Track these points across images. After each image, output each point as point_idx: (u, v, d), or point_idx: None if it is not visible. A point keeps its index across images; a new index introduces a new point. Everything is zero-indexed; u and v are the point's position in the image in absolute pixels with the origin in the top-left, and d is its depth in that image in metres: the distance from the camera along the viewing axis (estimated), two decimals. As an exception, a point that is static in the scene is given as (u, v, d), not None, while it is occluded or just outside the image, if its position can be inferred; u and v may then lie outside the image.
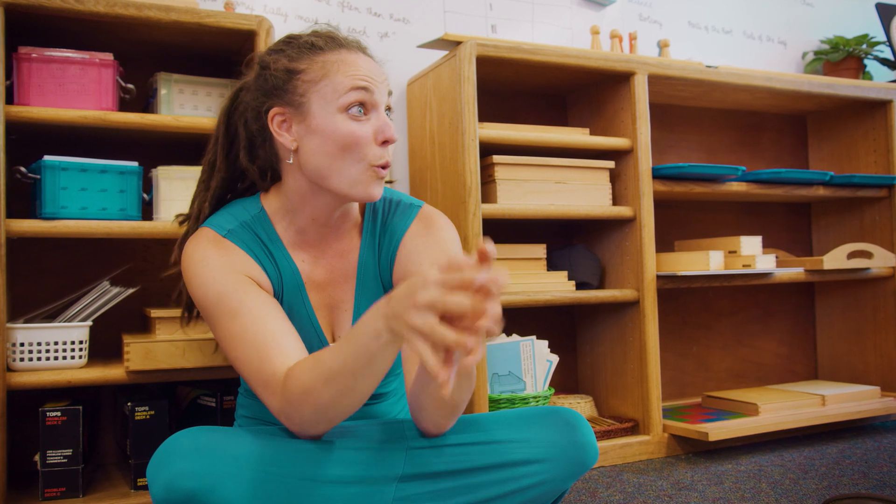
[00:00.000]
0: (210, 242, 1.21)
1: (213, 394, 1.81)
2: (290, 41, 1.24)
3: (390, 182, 2.30)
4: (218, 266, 1.18)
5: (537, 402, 2.03)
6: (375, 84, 1.19)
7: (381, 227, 1.31)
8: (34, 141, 1.84)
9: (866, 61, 3.07)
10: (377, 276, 1.30)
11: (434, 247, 1.25)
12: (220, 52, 1.98)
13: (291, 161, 1.21)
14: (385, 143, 1.18)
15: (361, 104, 1.17)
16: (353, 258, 1.30)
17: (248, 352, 1.12)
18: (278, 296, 1.25)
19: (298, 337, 1.16)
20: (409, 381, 1.19)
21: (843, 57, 3.01)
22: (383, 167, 1.19)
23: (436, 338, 0.84)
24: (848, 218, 2.85)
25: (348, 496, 1.11)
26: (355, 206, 1.31)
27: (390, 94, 1.24)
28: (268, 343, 1.11)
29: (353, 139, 1.16)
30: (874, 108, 2.75)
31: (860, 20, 3.21)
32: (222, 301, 1.16)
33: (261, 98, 1.23)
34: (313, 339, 1.27)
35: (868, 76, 3.08)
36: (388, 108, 1.23)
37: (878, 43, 3.01)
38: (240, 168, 1.32)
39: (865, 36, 3.01)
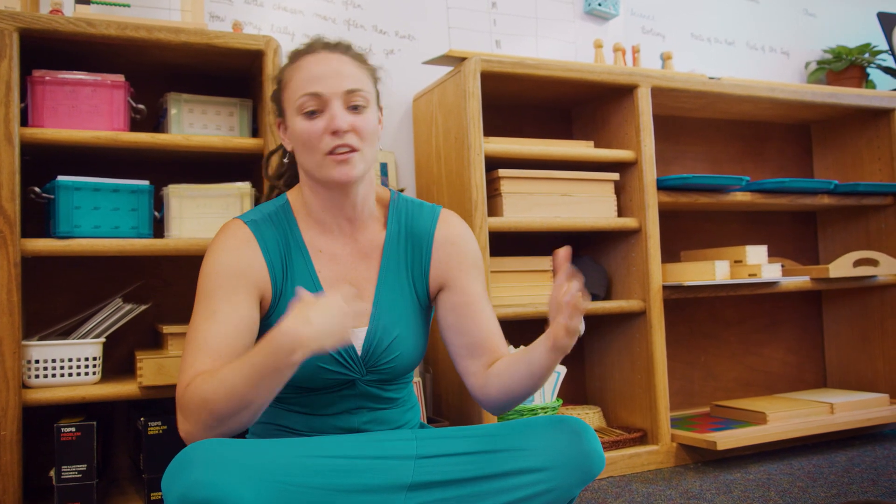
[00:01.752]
0: (231, 234, 1.32)
1: (225, 408, 1.83)
2: (290, 53, 1.39)
3: (401, 190, 2.32)
4: (226, 263, 1.28)
5: (545, 413, 2.04)
6: (321, 83, 1.29)
7: (406, 223, 1.41)
8: (48, 162, 1.88)
9: (869, 70, 3.08)
10: (400, 263, 1.39)
11: (463, 261, 1.41)
12: (229, 72, 2.02)
13: (293, 160, 1.40)
14: (334, 133, 1.28)
15: (312, 105, 1.29)
16: (379, 242, 1.39)
17: (191, 352, 1.23)
18: (281, 287, 1.32)
19: None
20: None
21: (845, 66, 3.03)
22: (341, 152, 1.28)
23: None
24: (853, 226, 2.86)
25: (359, 505, 1.13)
26: (370, 199, 1.40)
27: (352, 92, 1.29)
28: (205, 357, 1.21)
29: (306, 136, 1.29)
30: (878, 116, 2.77)
31: (862, 29, 3.23)
32: (210, 297, 1.26)
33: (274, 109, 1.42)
34: None
35: (871, 85, 3.09)
36: (359, 99, 1.29)
37: (880, 52, 3.03)
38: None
39: (868, 45, 3.03)
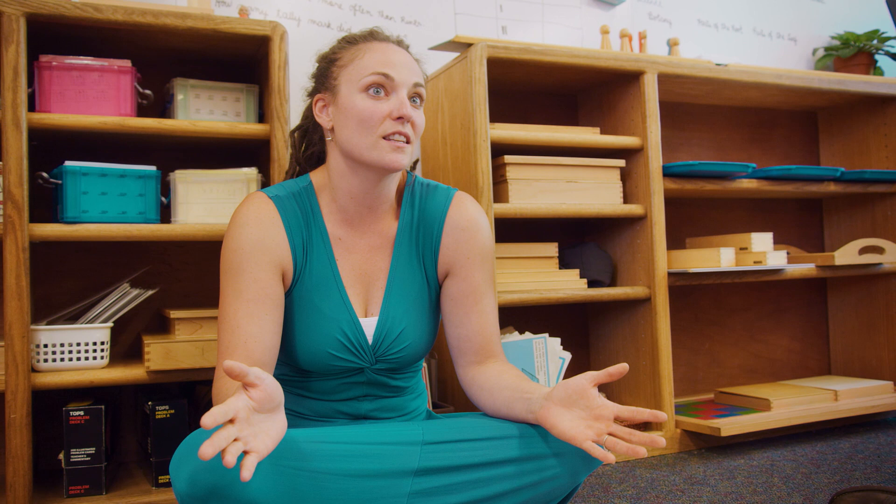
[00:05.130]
0: (255, 208, 1.31)
1: (232, 393, 1.84)
2: (340, 39, 1.39)
3: (415, 162, 2.32)
4: (251, 237, 1.28)
5: (550, 398, 2.05)
6: (398, 69, 1.30)
7: (420, 207, 1.40)
8: (55, 147, 1.88)
9: (877, 57, 3.07)
10: (412, 252, 1.39)
11: (471, 249, 1.39)
12: (235, 58, 2.02)
13: (330, 139, 1.35)
14: (399, 118, 1.28)
15: (380, 86, 1.29)
16: (391, 233, 1.39)
17: (224, 335, 1.25)
18: (300, 270, 1.32)
19: (270, 345, 1.25)
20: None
21: (853, 53, 3.01)
22: (398, 140, 1.29)
23: None
24: (859, 213, 2.86)
25: (366, 490, 1.14)
26: (393, 190, 1.39)
27: (419, 84, 1.33)
28: (238, 342, 1.23)
29: (367, 115, 1.28)
30: (885, 103, 2.76)
31: (870, 15, 3.21)
32: (236, 275, 1.26)
33: (312, 88, 1.39)
34: (342, 314, 1.32)
35: (879, 71, 3.08)
36: (418, 96, 1.33)
37: (888, 38, 3.01)
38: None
39: (876, 31, 3.01)
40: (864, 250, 2.57)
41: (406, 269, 1.38)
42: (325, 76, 1.35)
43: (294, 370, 1.35)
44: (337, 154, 1.34)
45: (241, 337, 1.22)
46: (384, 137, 1.28)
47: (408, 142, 1.30)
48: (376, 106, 1.28)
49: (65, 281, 1.95)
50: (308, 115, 1.45)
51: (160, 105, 2.00)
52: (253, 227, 1.29)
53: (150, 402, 1.75)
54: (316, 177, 1.39)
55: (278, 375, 1.39)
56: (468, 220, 1.40)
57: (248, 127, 1.86)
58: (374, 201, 1.36)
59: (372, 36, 1.35)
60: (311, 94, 1.39)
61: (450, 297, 1.39)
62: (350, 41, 1.35)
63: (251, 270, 1.26)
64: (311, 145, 1.46)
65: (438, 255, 1.39)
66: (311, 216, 1.35)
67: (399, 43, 1.36)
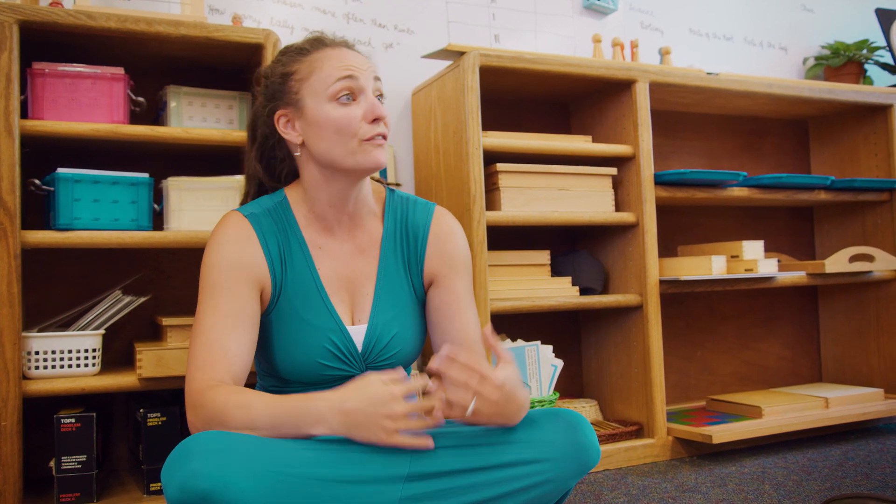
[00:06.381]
0: (232, 227, 1.32)
1: (224, 400, 1.84)
2: (284, 52, 1.39)
3: (397, 185, 2.33)
4: (228, 255, 1.29)
5: (542, 406, 2.05)
6: (359, 71, 1.32)
7: (402, 218, 1.42)
8: (48, 154, 1.88)
9: (867, 66, 3.09)
10: (398, 260, 1.40)
11: (453, 259, 1.42)
12: (228, 65, 2.02)
13: (301, 154, 1.35)
14: (375, 120, 1.30)
15: (348, 91, 1.30)
16: (375, 238, 1.40)
17: (201, 348, 1.24)
18: (280, 283, 1.32)
19: (246, 360, 1.26)
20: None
21: (843, 62, 3.03)
22: (379, 139, 1.31)
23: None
24: (850, 222, 2.88)
25: (357, 495, 1.14)
26: (369, 193, 1.40)
27: (378, 79, 1.35)
28: (217, 356, 1.22)
29: (344, 122, 1.29)
30: (875, 112, 2.78)
31: (860, 25, 3.24)
32: (213, 290, 1.27)
33: (267, 105, 1.37)
34: (328, 322, 1.33)
35: (868, 81, 3.10)
36: (380, 94, 1.34)
37: (878, 48, 3.03)
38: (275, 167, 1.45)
39: (865, 41, 3.04)
40: (854, 258, 2.59)
41: (394, 275, 1.39)
42: (282, 91, 1.34)
43: (283, 382, 1.35)
44: (312, 166, 1.35)
45: (220, 350, 1.22)
46: (365, 140, 1.29)
47: (384, 138, 1.32)
48: (349, 112, 1.29)
49: (57, 288, 1.94)
50: (266, 134, 1.40)
51: (153, 112, 2.00)
52: (230, 244, 1.30)
53: (141, 410, 1.75)
54: (290, 191, 1.40)
55: (268, 387, 1.39)
56: (449, 233, 1.43)
57: (240, 135, 1.86)
58: (354, 206, 1.38)
59: (321, 43, 1.36)
60: (269, 112, 1.36)
61: (434, 307, 1.41)
62: (300, 52, 1.35)
63: (228, 287, 1.27)
64: (279, 161, 1.44)
65: (423, 266, 1.41)
66: (289, 229, 1.36)
67: (349, 45, 1.38)
